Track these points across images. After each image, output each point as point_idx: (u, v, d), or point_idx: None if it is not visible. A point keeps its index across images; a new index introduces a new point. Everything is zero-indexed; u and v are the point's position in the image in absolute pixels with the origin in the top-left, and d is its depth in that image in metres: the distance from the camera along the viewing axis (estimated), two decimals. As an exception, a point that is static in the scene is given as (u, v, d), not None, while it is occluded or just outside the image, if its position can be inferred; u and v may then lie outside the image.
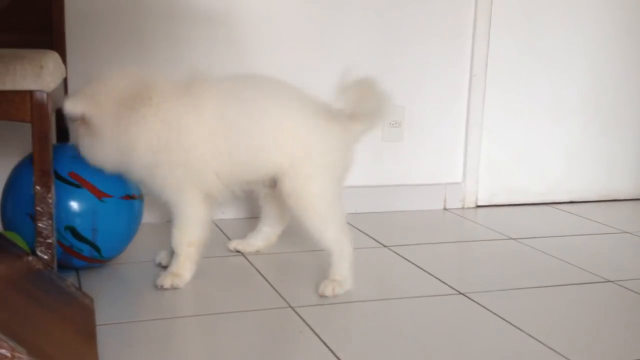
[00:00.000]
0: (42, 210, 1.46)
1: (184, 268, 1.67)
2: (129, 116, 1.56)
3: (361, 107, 1.65)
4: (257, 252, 1.95)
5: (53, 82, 1.46)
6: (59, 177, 1.61)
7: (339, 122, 1.66)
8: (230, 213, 2.29)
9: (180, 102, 1.59)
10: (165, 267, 1.74)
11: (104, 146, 1.58)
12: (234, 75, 1.76)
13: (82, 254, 1.66)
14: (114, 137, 1.56)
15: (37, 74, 1.40)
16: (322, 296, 1.63)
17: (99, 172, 1.64)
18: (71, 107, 1.55)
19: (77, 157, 1.63)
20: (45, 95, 1.42)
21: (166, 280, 1.65)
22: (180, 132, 1.58)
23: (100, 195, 1.64)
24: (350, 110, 1.65)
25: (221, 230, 2.14)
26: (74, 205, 1.61)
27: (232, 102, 1.63)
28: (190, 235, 1.66)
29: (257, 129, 1.61)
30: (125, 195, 1.69)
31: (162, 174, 1.60)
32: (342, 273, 1.67)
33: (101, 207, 1.64)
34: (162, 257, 1.80)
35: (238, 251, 1.95)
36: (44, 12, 1.87)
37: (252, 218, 2.31)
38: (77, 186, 1.62)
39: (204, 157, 1.60)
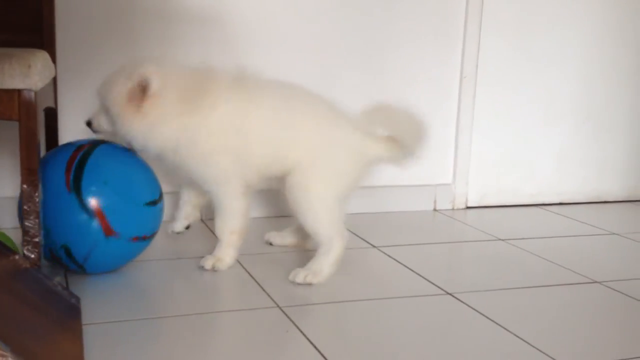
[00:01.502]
0: (28, 209, 1.45)
1: (226, 253, 1.79)
2: (195, 101, 1.64)
3: (400, 134, 1.78)
4: (286, 247, 2.02)
5: (41, 81, 1.46)
6: (79, 196, 1.58)
7: (359, 138, 1.77)
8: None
9: (241, 96, 1.71)
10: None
11: (156, 131, 1.63)
12: (274, 80, 1.85)
13: (68, 267, 1.67)
14: (178, 119, 1.63)
15: (25, 73, 1.40)
16: (292, 282, 1.72)
17: (121, 209, 1.61)
18: (149, 75, 1.59)
19: (107, 184, 1.60)
20: (33, 94, 1.42)
21: (208, 262, 1.78)
22: (239, 123, 1.69)
23: (108, 232, 1.60)
24: (390, 134, 1.79)
25: (210, 230, 2.14)
26: (79, 232, 1.59)
27: (280, 102, 1.76)
28: (232, 224, 1.77)
29: (291, 126, 1.75)
30: (134, 237, 1.65)
31: (213, 162, 1.69)
32: (320, 266, 1.74)
33: (102, 243, 1.61)
34: (178, 225, 1.90)
35: (270, 243, 2.03)
36: (34, 12, 1.87)
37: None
38: (91, 216, 1.58)
39: (252, 146, 1.71)
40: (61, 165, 1.60)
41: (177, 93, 1.63)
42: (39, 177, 1.46)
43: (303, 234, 1.94)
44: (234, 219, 1.77)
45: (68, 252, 1.62)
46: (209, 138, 1.67)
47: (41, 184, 1.49)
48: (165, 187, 1.81)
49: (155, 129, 1.64)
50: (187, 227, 1.92)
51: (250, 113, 1.71)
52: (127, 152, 1.70)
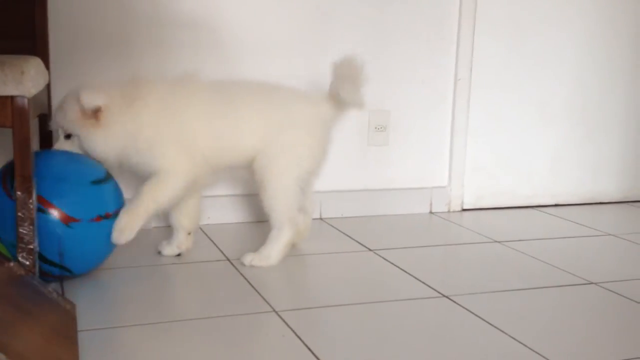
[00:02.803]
0: (23, 216, 1.45)
1: (134, 219, 1.71)
2: (132, 106, 1.74)
3: (343, 86, 1.87)
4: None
5: (34, 87, 1.46)
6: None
7: (311, 109, 1.91)
8: (215, 218, 2.28)
9: (175, 95, 1.80)
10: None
11: (112, 136, 1.72)
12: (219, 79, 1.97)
13: (53, 274, 1.64)
14: (121, 125, 1.72)
15: (18, 80, 1.40)
16: (242, 264, 1.85)
17: (68, 193, 1.61)
18: (91, 99, 1.68)
19: (46, 178, 1.59)
20: (26, 101, 1.42)
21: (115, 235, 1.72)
22: (172, 115, 1.78)
23: (67, 220, 1.59)
24: (334, 90, 1.88)
25: (206, 235, 2.14)
26: (41, 231, 1.55)
27: (217, 95, 1.86)
28: (161, 196, 1.75)
29: (234, 119, 1.84)
30: (96, 217, 1.64)
31: (158, 154, 1.75)
32: (269, 251, 1.87)
33: (67, 232, 1.59)
34: (162, 246, 1.95)
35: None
36: (27, 18, 1.87)
37: (238, 223, 2.31)
38: (42, 211, 1.57)
39: (195, 138, 1.79)
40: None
41: (119, 102, 1.73)
42: (33, 184, 1.45)
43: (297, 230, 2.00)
44: (166, 194, 1.75)
45: (42, 258, 1.59)
46: (146, 129, 1.74)
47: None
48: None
49: (114, 135, 1.72)
50: (178, 255, 1.93)
51: (185, 107, 1.79)
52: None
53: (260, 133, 1.85)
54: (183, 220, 1.91)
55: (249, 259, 1.87)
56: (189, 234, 1.93)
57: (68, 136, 1.74)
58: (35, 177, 1.54)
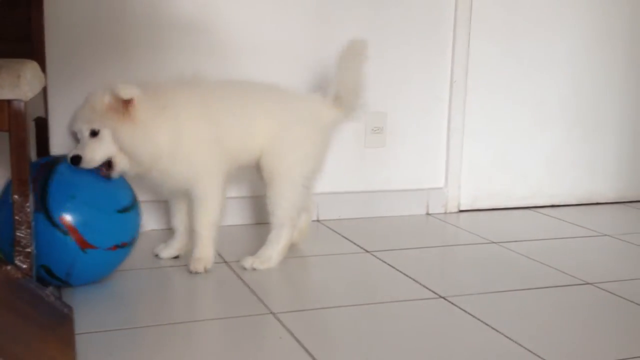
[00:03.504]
0: (20, 220, 1.45)
1: (210, 250, 1.83)
2: (168, 110, 1.71)
3: (344, 86, 1.91)
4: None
5: (31, 91, 1.46)
6: (49, 216, 1.56)
7: (316, 108, 1.93)
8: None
9: (201, 97, 1.81)
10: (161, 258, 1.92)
11: (149, 133, 1.67)
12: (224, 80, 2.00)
13: (51, 284, 1.65)
14: (158, 125, 1.68)
15: (15, 84, 1.40)
16: (242, 268, 1.85)
17: (93, 221, 1.60)
18: (126, 89, 1.63)
19: (75, 197, 1.59)
20: (22, 105, 1.42)
21: (199, 265, 1.81)
22: (208, 117, 1.79)
23: (84, 246, 1.60)
24: (337, 93, 1.92)
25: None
26: (55, 250, 1.57)
27: (233, 96, 1.88)
28: (215, 216, 1.82)
29: (246, 117, 1.85)
30: (113, 246, 1.65)
31: (196, 159, 1.76)
32: (268, 253, 1.87)
33: (81, 257, 1.60)
34: (160, 248, 1.94)
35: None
36: (24, 22, 1.87)
37: (235, 225, 2.31)
38: (64, 233, 1.58)
39: (222, 138, 1.80)
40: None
41: (154, 102, 1.69)
42: (30, 187, 1.45)
43: (299, 230, 2.03)
44: (217, 211, 1.82)
45: (49, 271, 1.60)
46: (186, 136, 1.73)
47: (6, 207, 1.47)
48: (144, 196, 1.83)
49: (149, 132, 1.68)
50: (176, 257, 1.93)
51: (212, 105, 1.80)
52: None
53: (271, 132, 1.86)
54: (183, 223, 1.91)
55: (250, 262, 1.86)
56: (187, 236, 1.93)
57: (94, 133, 1.66)
58: (69, 192, 1.57)
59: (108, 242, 1.64)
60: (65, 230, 1.58)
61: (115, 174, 1.68)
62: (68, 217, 1.58)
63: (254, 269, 1.85)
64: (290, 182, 1.86)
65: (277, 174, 1.85)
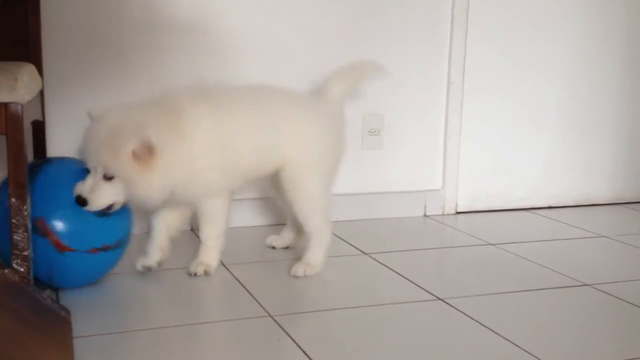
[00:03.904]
0: (17, 223, 1.45)
1: (213, 257, 1.83)
2: (180, 136, 1.63)
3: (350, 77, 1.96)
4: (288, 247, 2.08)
5: (28, 94, 1.46)
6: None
7: (327, 112, 1.91)
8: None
9: (213, 112, 1.70)
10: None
11: (164, 176, 1.59)
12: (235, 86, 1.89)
13: (46, 287, 1.63)
14: (172, 162, 1.60)
15: (12, 87, 1.40)
16: (294, 276, 1.82)
17: (70, 222, 1.58)
18: (151, 134, 1.54)
19: (53, 199, 1.57)
20: (20, 108, 1.42)
21: (199, 268, 1.80)
22: (221, 138, 1.71)
23: (62, 248, 1.58)
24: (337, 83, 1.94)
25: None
26: (35, 253, 1.52)
27: (252, 108, 1.80)
28: (220, 228, 1.81)
29: (268, 128, 1.80)
30: (93, 248, 1.61)
31: (204, 180, 1.70)
32: (316, 258, 1.86)
33: (58, 260, 1.58)
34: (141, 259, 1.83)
35: (273, 247, 2.09)
36: (21, 24, 1.87)
37: (232, 228, 2.31)
38: (41, 235, 1.55)
39: (236, 157, 1.74)
40: (5, 189, 1.49)
41: (167, 133, 1.60)
42: (27, 190, 1.45)
43: (298, 230, 2.02)
44: (222, 223, 1.81)
45: (35, 278, 1.56)
46: (198, 160, 1.66)
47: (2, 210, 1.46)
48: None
49: (169, 176, 1.61)
50: (159, 264, 1.82)
51: (227, 127, 1.72)
52: (79, 165, 1.63)
53: (293, 139, 1.82)
54: (163, 234, 1.82)
55: (302, 270, 1.83)
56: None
57: (108, 178, 1.57)
58: (48, 195, 1.55)
59: (87, 244, 1.61)
60: (39, 231, 1.56)
61: (110, 212, 1.63)
62: (43, 219, 1.56)
63: (307, 276, 1.83)
64: (317, 189, 1.84)
65: (303, 184, 1.82)
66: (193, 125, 1.65)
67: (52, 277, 1.62)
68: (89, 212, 1.59)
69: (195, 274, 1.80)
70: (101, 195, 1.57)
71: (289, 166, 1.81)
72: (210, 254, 1.82)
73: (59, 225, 1.58)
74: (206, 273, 1.81)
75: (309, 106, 1.91)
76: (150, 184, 1.58)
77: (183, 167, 1.64)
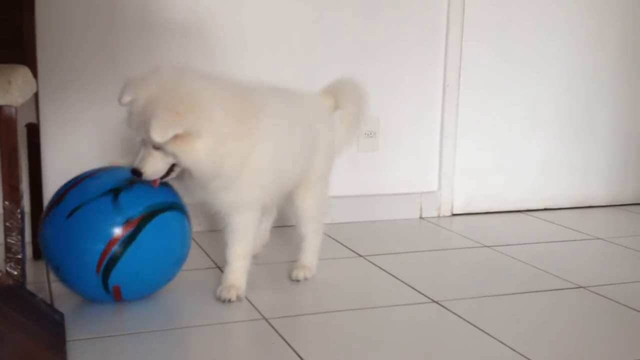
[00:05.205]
0: (11, 226, 1.44)
1: (243, 278, 1.70)
2: (247, 124, 1.56)
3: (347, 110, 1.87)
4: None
5: (22, 97, 1.45)
6: (105, 282, 1.54)
7: (325, 107, 1.86)
8: (205, 225, 2.28)
9: (277, 116, 1.64)
10: None
11: (222, 149, 1.50)
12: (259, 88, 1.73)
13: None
14: (231, 141, 1.52)
15: (6, 89, 1.39)
16: (296, 280, 1.82)
17: (140, 289, 1.62)
18: (163, 133, 1.43)
19: (139, 274, 1.57)
20: (13, 110, 1.41)
21: (231, 293, 1.65)
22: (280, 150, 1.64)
23: (118, 299, 1.62)
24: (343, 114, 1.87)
25: (197, 243, 2.14)
26: (91, 296, 1.61)
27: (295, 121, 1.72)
28: (249, 248, 1.70)
29: (310, 135, 1.75)
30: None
31: (246, 194, 1.62)
32: (313, 260, 1.86)
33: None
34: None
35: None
36: (15, 27, 1.86)
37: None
38: (109, 294, 1.58)
39: (284, 171, 1.68)
40: (98, 246, 1.52)
41: (228, 111, 1.52)
42: (20, 193, 1.45)
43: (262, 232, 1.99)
44: (250, 241, 1.70)
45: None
46: (255, 172, 1.59)
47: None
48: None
49: (219, 149, 1.51)
50: None
51: (285, 134, 1.65)
52: (175, 231, 1.63)
53: (321, 150, 1.79)
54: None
55: (302, 274, 1.82)
56: None
57: (157, 148, 1.49)
58: (133, 270, 1.56)
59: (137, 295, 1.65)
60: (112, 293, 1.59)
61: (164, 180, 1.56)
62: (119, 287, 1.58)
63: (307, 279, 1.83)
64: (323, 189, 1.84)
65: (311, 188, 1.79)
66: (268, 127, 1.59)
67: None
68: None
69: (230, 300, 1.65)
70: (152, 163, 1.50)
71: (310, 175, 1.78)
72: (237, 276, 1.69)
73: (130, 291, 1.61)
74: (238, 298, 1.66)
75: (325, 112, 1.85)
76: (203, 153, 1.48)
77: (243, 150, 1.55)
